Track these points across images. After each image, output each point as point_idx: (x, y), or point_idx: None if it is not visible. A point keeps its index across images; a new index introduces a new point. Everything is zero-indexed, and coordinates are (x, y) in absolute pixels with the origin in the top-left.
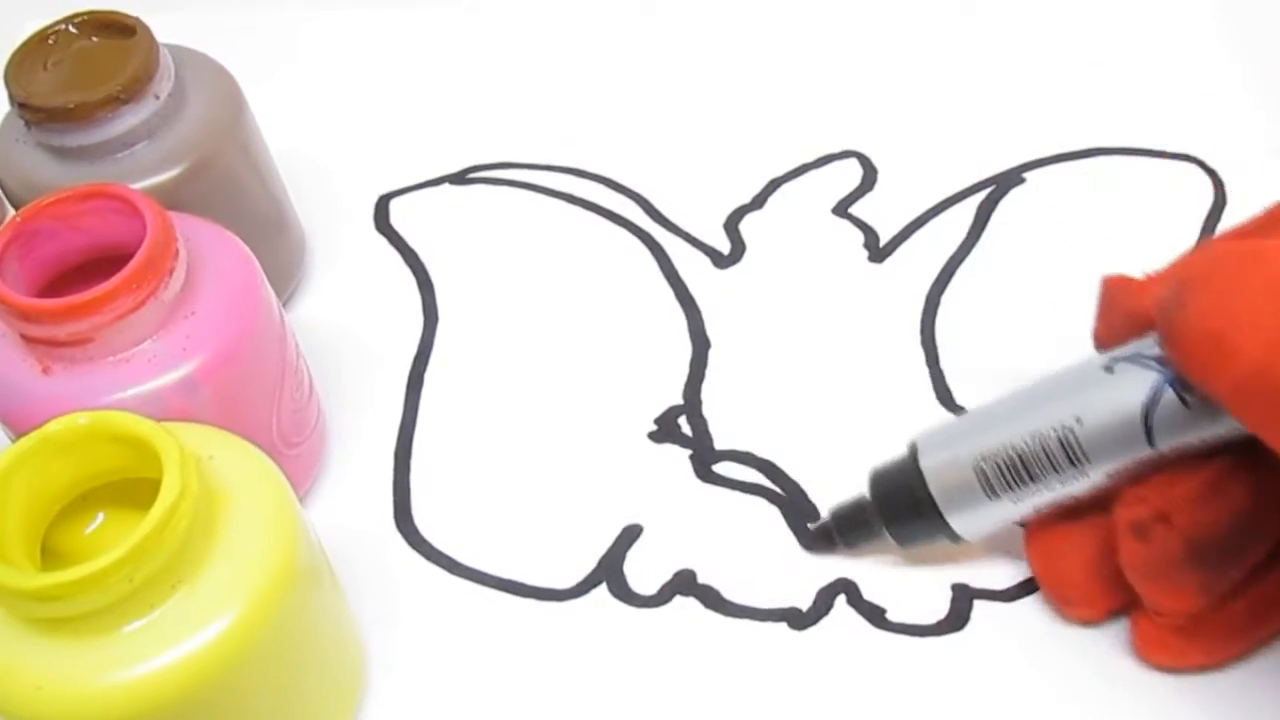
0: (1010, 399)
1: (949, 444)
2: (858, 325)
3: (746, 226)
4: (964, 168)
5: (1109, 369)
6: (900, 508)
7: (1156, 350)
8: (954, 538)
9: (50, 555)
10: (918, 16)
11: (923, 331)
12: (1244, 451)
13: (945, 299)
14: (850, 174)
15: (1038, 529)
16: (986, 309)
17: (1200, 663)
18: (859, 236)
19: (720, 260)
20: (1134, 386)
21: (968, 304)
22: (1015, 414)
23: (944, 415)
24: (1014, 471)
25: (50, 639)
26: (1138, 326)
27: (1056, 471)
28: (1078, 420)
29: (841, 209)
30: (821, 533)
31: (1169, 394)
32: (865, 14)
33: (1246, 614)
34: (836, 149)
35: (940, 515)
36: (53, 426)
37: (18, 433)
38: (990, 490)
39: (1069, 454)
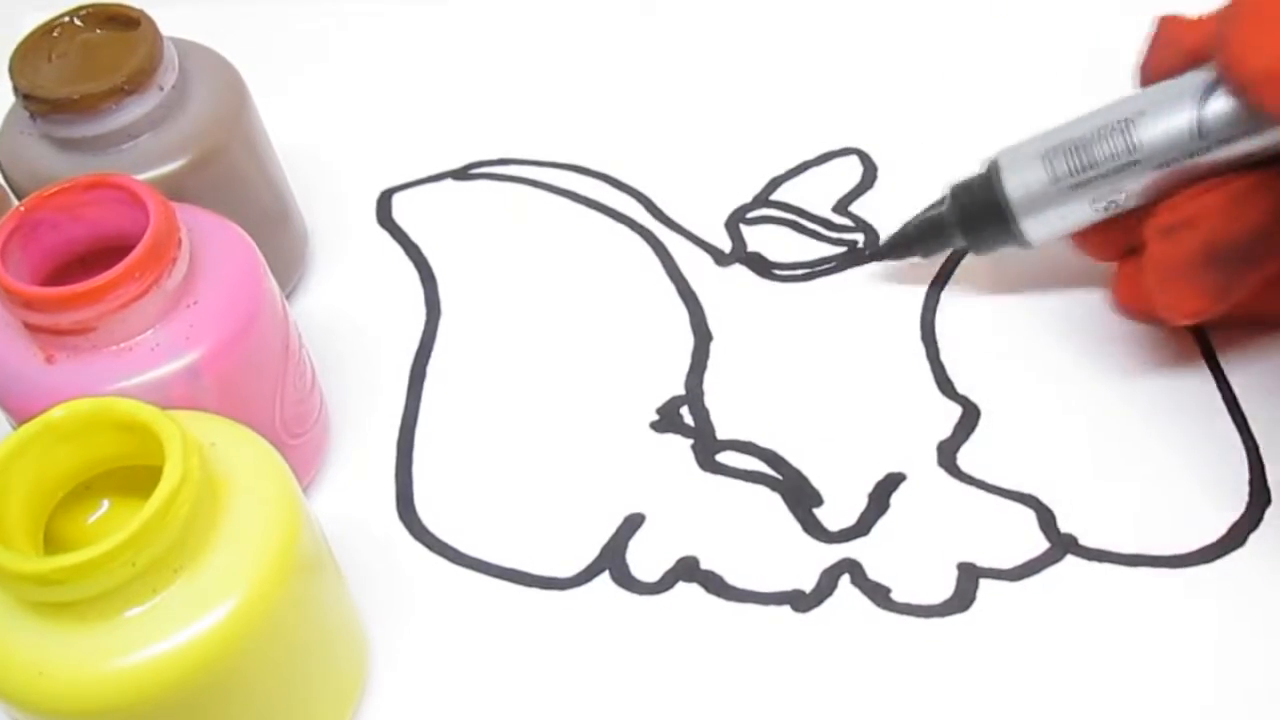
0: (1090, 111)
1: (1023, 147)
2: (859, 320)
3: (747, 224)
4: (964, 164)
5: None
6: (974, 206)
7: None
8: (1021, 238)
9: (54, 544)
10: (917, 14)
11: (923, 326)
12: (1271, 170)
13: (945, 295)
14: (851, 171)
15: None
16: (986, 306)
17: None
18: (860, 233)
19: (721, 258)
20: (1189, 87)
21: (968, 301)
22: (1089, 116)
23: (946, 403)
24: (1076, 157)
25: (52, 624)
26: (1189, 61)
27: (1113, 158)
28: (1140, 112)
29: (841, 206)
30: (898, 239)
31: (1220, 90)
32: (865, 12)
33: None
34: (837, 146)
35: (1010, 211)
36: (55, 413)
37: (21, 422)
38: (1054, 178)
39: (1126, 141)
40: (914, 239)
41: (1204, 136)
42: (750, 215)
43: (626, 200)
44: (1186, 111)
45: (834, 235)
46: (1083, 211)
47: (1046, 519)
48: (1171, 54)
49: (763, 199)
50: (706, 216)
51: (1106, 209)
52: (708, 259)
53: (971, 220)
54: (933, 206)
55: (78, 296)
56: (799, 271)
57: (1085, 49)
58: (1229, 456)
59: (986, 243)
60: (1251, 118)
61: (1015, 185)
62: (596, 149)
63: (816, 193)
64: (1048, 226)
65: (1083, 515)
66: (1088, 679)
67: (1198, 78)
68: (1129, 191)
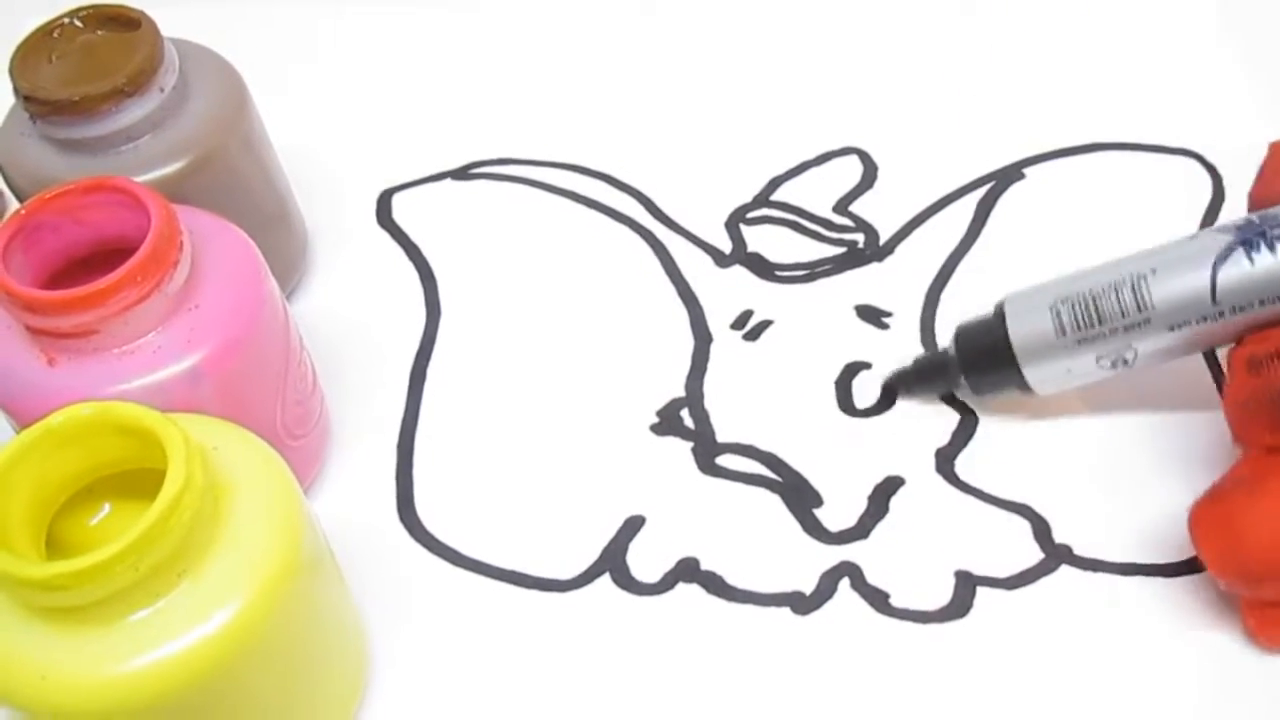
0: (1104, 262)
1: (1034, 293)
2: (859, 321)
3: (747, 225)
4: (964, 164)
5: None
6: (978, 350)
7: (1250, 217)
8: (1024, 386)
9: (56, 547)
10: (918, 13)
11: (923, 328)
12: None
13: (945, 295)
14: (851, 171)
15: (1206, 510)
16: (987, 305)
17: None
18: (860, 233)
19: (721, 259)
20: (1209, 246)
21: (968, 300)
22: (1102, 269)
23: (944, 409)
24: (1085, 310)
25: (55, 628)
26: None
27: (1123, 315)
28: (1152, 270)
29: (842, 206)
30: (899, 378)
31: (1238, 253)
32: (865, 12)
33: None
34: (837, 146)
35: (1013, 357)
36: (57, 417)
37: (23, 424)
38: (1060, 329)
39: (1136, 299)
40: (916, 379)
41: (1218, 302)
42: (750, 215)
43: (626, 200)
44: (1202, 273)
45: (834, 235)
46: (1088, 366)
47: (1041, 529)
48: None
49: (763, 199)
50: (706, 216)
51: (1114, 366)
52: (708, 260)
53: (975, 363)
54: (939, 351)
55: (79, 300)
56: (799, 272)
57: (1084, 50)
58: (1222, 468)
59: (992, 387)
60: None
61: (1021, 333)
62: (596, 149)
63: (817, 193)
64: (1054, 377)
65: (1077, 526)
66: (1082, 687)
67: (1218, 238)
68: (1140, 350)
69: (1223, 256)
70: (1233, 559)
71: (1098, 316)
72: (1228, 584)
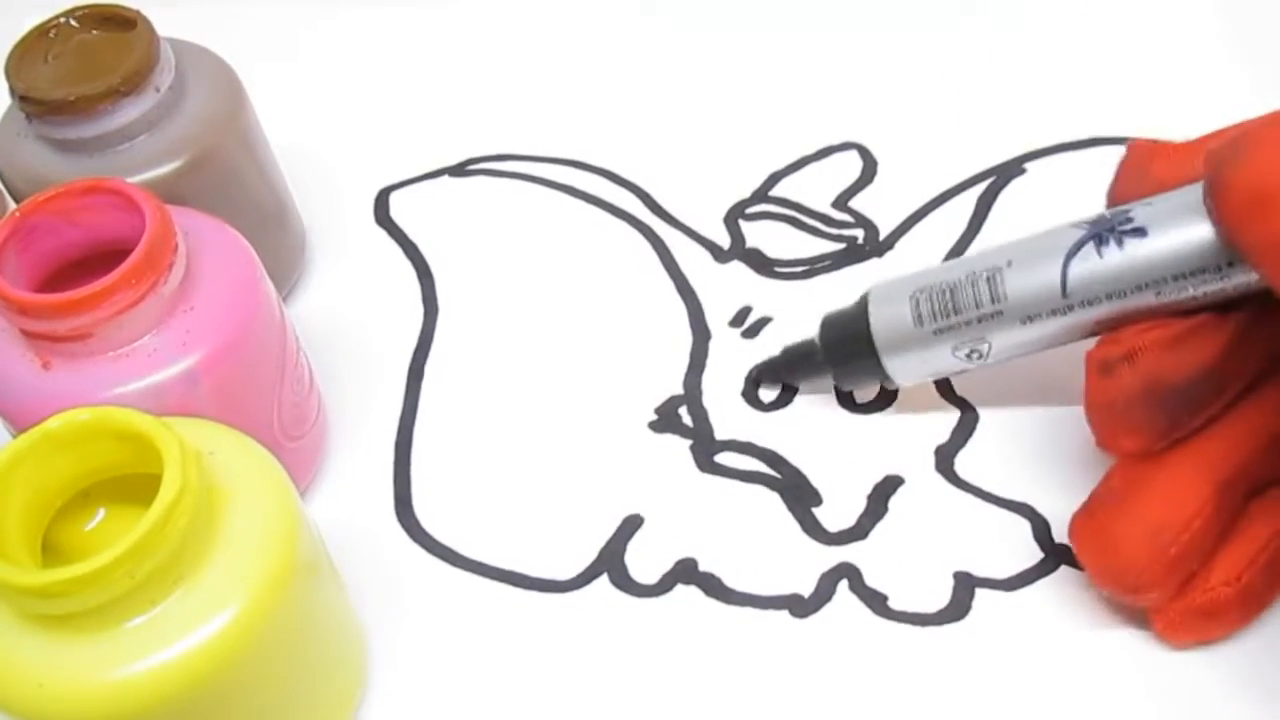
0: (965, 255)
1: (897, 283)
2: None
3: (746, 220)
4: (964, 159)
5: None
6: (841, 340)
7: (1102, 213)
8: (886, 376)
9: (51, 552)
10: (917, 8)
11: None
12: (1221, 312)
13: None
14: (850, 166)
15: (1083, 521)
16: None
17: (1219, 636)
18: (860, 229)
19: (720, 254)
20: (1062, 239)
21: None
22: (962, 261)
23: (943, 405)
24: (942, 301)
25: (52, 635)
26: (1156, 189)
27: (978, 307)
28: (1008, 263)
29: (841, 202)
30: (767, 368)
31: (1088, 248)
32: (865, 7)
33: (1260, 586)
34: (836, 141)
35: (874, 349)
36: (53, 423)
37: (18, 428)
38: (919, 319)
39: (991, 290)
40: (783, 368)
41: (1068, 296)
42: (749, 211)
43: (626, 195)
44: (1053, 266)
45: (834, 231)
46: (945, 358)
47: (1041, 529)
48: (1138, 180)
49: (762, 194)
50: (706, 212)
51: (970, 358)
52: (707, 255)
53: (839, 352)
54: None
55: (74, 303)
56: (799, 268)
57: (1084, 44)
58: None
59: (854, 376)
60: (1121, 271)
61: (881, 322)
62: (595, 144)
63: (816, 188)
64: (911, 368)
65: None
66: (1082, 690)
67: (1071, 232)
68: (995, 343)
69: (1074, 250)
70: (1111, 570)
71: (954, 307)
72: (1111, 594)
